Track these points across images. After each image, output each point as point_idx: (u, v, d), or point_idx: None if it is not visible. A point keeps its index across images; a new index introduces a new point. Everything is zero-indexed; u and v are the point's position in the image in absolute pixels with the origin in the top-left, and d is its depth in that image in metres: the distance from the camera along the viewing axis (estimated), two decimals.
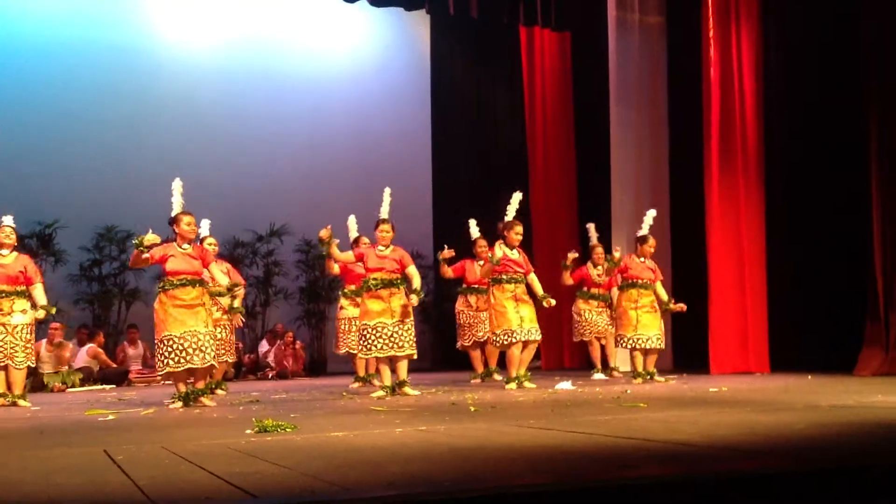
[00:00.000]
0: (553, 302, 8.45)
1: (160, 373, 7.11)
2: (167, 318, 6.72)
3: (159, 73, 13.50)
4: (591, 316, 10.12)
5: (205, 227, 8.39)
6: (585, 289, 10.17)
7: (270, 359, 12.51)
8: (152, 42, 13.66)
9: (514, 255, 8.43)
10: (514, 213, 8.50)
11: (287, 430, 4.58)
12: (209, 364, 6.80)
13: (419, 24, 14.93)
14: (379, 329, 7.46)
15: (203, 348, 6.70)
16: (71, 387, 10.44)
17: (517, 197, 8.53)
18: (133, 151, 13.02)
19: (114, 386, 10.87)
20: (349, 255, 8.11)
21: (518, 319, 8.23)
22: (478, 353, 9.84)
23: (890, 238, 8.65)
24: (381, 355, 7.54)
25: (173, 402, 6.84)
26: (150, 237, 6.72)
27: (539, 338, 8.38)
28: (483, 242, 9.47)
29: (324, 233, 7.97)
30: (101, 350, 11.49)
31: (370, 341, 7.49)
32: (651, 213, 9.17)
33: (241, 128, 13.76)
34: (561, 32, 13.33)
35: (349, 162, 14.15)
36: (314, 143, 14.11)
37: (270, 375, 12.21)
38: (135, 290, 12.66)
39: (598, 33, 12.15)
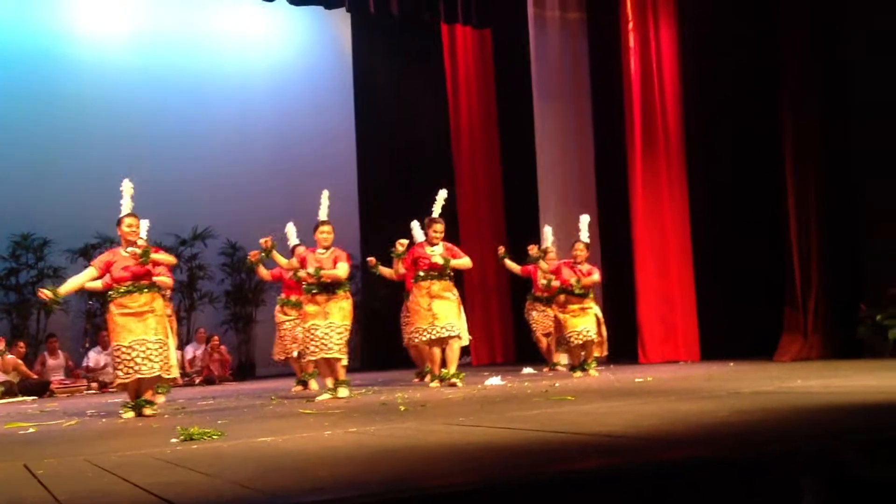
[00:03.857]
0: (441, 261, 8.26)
1: (115, 383, 6.89)
2: (115, 327, 6.56)
3: (74, 75, 13.14)
4: (537, 315, 10.24)
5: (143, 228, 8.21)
6: (533, 292, 10.24)
7: (197, 363, 12.33)
8: (67, 42, 13.30)
9: (438, 250, 8.40)
10: (439, 210, 8.51)
11: (213, 437, 4.51)
12: (156, 374, 6.54)
13: (340, 23, 14.82)
14: (312, 331, 7.45)
15: (151, 357, 6.50)
16: None
17: (442, 194, 8.56)
18: (49, 156, 12.64)
19: (35, 398, 10.57)
20: (293, 262, 7.98)
21: (430, 317, 8.19)
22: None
23: (805, 226, 8.88)
24: (313, 358, 7.52)
25: (125, 411, 6.59)
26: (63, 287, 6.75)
27: (452, 334, 8.16)
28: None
29: (264, 242, 8.03)
30: (20, 361, 11.17)
31: (307, 344, 7.50)
32: (585, 218, 8.97)
33: (160, 130, 13.48)
34: (481, 30, 13.41)
35: (272, 163, 13.99)
36: (236, 144, 13.90)
37: (197, 381, 12.01)
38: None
39: (518, 30, 12.23)
